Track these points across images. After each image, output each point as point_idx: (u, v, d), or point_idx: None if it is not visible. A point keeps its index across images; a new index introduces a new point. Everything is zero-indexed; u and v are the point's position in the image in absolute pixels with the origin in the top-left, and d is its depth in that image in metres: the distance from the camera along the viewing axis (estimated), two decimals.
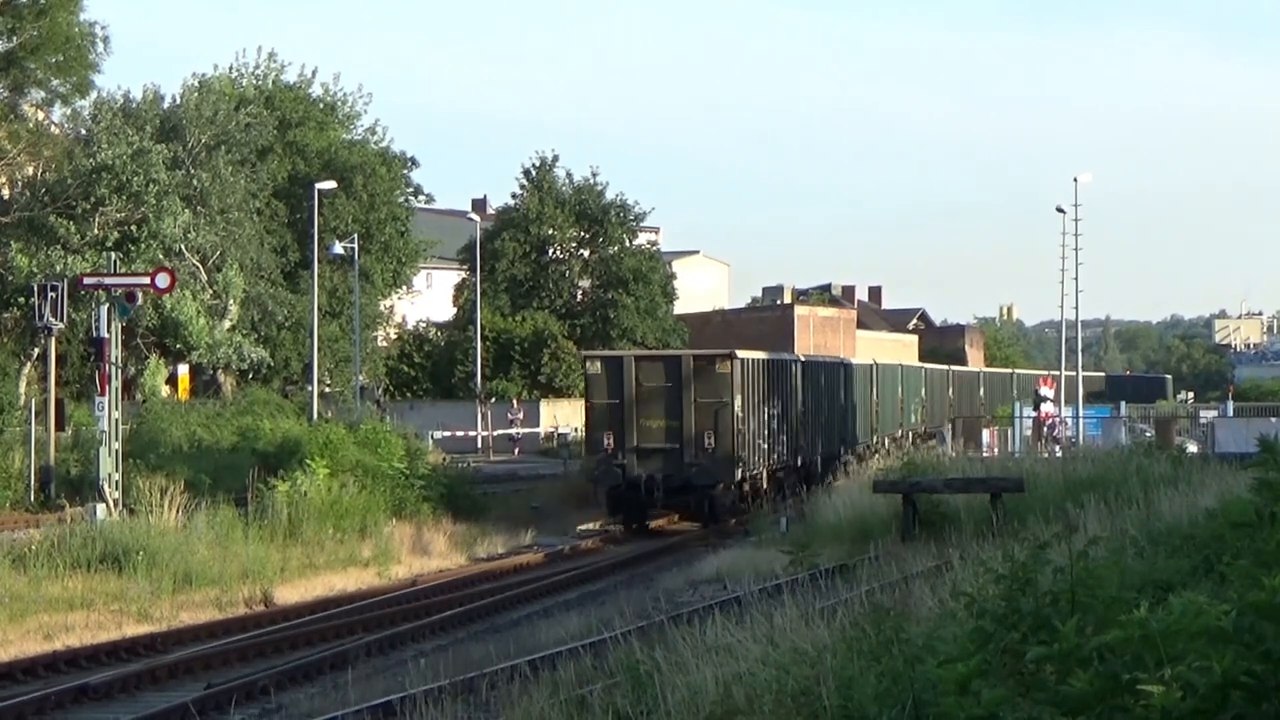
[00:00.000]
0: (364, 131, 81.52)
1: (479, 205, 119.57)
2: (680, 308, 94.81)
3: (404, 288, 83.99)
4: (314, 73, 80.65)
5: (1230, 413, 70.90)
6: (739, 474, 46.13)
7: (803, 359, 56.48)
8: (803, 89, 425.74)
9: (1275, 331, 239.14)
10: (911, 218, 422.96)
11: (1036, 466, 40.74)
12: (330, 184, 68.50)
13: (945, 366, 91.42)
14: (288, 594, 32.36)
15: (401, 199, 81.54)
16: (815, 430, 55.14)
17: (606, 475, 45.42)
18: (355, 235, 71.09)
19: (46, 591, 29.48)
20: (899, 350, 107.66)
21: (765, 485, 48.27)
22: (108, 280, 41.42)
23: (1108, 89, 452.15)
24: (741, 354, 47.85)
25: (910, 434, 69.25)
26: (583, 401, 48.96)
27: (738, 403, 45.82)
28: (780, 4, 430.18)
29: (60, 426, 45.05)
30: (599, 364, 46.95)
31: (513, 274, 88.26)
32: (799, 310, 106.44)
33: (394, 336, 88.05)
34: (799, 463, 52.28)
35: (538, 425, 77.26)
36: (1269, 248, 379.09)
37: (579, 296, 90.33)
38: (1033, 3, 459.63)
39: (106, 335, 39.20)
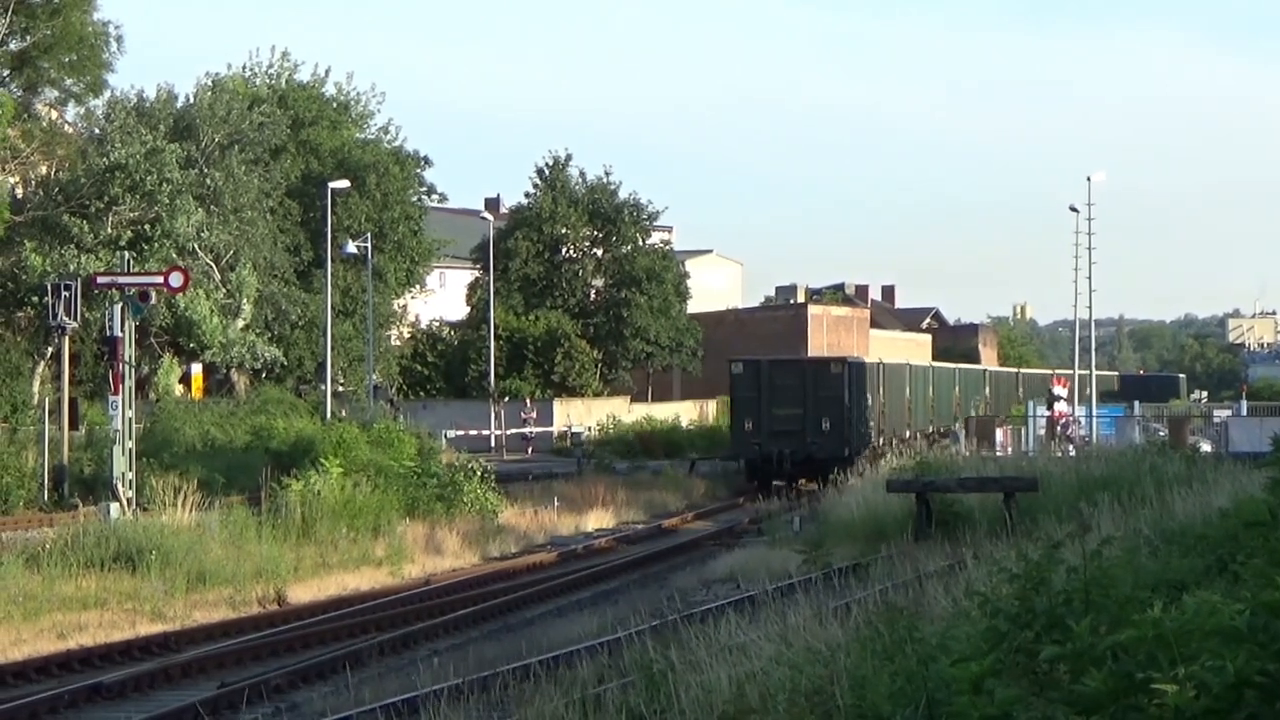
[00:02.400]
0: (377, 131, 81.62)
1: (492, 204, 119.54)
2: (693, 307, 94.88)
3: (417, 287, 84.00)
4: (327, 72, 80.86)
5: (1244, 412, 70.83)
6: (846, 451, 56.53)
7: (884, 363, 68.47)
8: (814, 88, 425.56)
9: None
10: (924, 217, 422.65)
11: (1050, 466, 40.65)
12: (343, 183, 68.53)
13: (1015, 369, 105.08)
14: (301, 593, 32.36)
15: (415, 198, 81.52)
16: (890, 418, 66.25)
17: (747, 451, 58.44)
18: (368, 234, 71.19)
19: (60, 590, 29.48)
20: (912, 350, 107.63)
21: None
22: (121, 279, 41.46)
23: (1114, 87, 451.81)
24: (850, 359, 63.36)
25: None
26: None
27: (846, 396, 58.81)
28: (788, 3, 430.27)
29: (74, 426, 45.05)
30: (741, 365, 60.08)
31: (526, 273, 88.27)
32: (813, 309, 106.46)
33: (407, 335, 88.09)
34: (879, 443, 61.35)
35: (550, 424, 77.32)
36: None
37: (592, 296, 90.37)
38: (1033, 3, 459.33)
39: (120, 334, 39.24)
